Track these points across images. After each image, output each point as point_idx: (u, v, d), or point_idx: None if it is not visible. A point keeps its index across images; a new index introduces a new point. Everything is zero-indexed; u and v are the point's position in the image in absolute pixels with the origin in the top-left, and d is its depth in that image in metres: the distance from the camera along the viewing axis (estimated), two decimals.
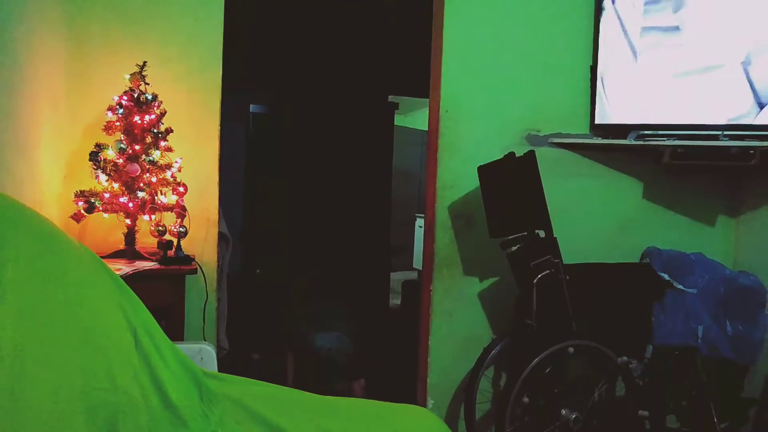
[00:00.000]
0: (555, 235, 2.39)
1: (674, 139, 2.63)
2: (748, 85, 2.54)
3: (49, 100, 2.21)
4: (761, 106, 2.51)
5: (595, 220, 2.89)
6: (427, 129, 2.95)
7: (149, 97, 2.30)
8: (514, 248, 2.52)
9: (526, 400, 2.37)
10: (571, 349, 2.36)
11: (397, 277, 5.68)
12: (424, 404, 2.82)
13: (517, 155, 2.46)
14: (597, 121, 2.81)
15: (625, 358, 2.46)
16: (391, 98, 5.28)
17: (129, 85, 2.29)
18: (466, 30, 2.77)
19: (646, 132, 2.70)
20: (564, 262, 2.40)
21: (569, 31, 2.84)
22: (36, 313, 0.91)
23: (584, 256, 2.68)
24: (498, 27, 2.79)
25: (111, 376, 1.01)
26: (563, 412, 2.38)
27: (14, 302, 0.87)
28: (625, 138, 2.72)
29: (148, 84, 2.32)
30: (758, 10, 2.54)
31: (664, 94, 2.71)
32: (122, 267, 2.11)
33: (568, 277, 2.38)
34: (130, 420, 1.01)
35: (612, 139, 2.80)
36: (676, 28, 2.67)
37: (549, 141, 2.84)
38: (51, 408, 0.85)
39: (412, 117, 7.02)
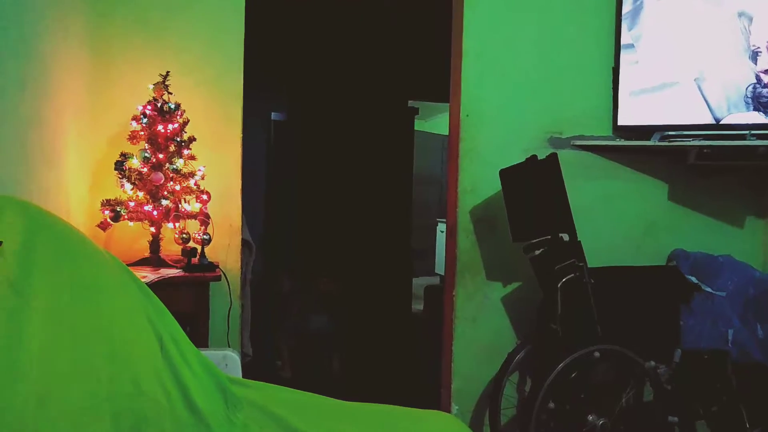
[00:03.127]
0: (579, 239, 2.36)
1: (700, 140, 2.59)
2: None
3: (74, 110, 2.25)
4: None
5: (619, 222, 2.85)
6: (447, 133, 2.95)
7: (172, 106, 2.32)
8: (537, 252, 2.50)
9: (552, 405, 2.34)
10: (596, 354, 2.32)
11: (419, 283, 5.67)
12: (448, 410, 2.80)
13: (539, 158, 2.44)
14: (620, 123, 2.78)
15: (652, 362, 2.42)
16: (411, 103, 5.29)
17: (152, 94, 2.32)
18: (486, 33, 2.76)
19: (670, 133, 2.66)
20: (588, 266, 2.37)
21: (590, 32, 2.81)
22: (63, 319, 0.92)
23: (609, 260, 2.64)
24: (518, 29, 2.78)
25: (137, 382, 1.02)
26: (590, 417, 2.34)
27: (42, 308, 0.88)
28: (649, 139, 2.69)
29: (171, 93, 2.35)
30: None
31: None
32: (147, 274, 2.13)
33: (592, 281, 2.35)
34: (155, 425, 1.01)
35: (635, 140, 2.77)
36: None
37: (571, 143, 2.81)
38: (78, 413, 0.86)
39: (433, 122, 7.02)
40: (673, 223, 2.88)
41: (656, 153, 2.82)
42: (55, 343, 0.88)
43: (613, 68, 2.79)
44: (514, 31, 2.77)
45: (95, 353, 0.96)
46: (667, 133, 2.66)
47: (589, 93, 2.82)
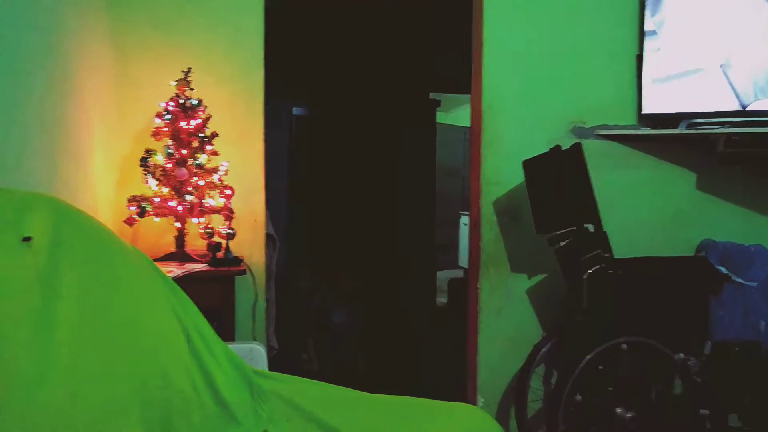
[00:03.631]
0: (604, 229, 2.33)
1: (728, 127, 2.53)
2: None
3: (99, 109, 2.29)
4: None
5: (646, 213, 2.80)
6: (469, 125, 2.92)
7: (194, 102, 2.34)
8: (562, 243, 2.47)
9: (579, 398, 2.32)
10: (624, 346, 2.29)
11: (443, 276, 5.66)
12: (474, 403, 2.79)
13: (563, 148, 2.41)
14: (644, 111, 2.73)
15: (682, 355, 2.38)
16: (432, 95, 5.26)
17: (175, 91, 2.34)
18: (507, 22, 2.73)
19: (697, 120, 2.61)
20: (615, 257, 2.33)
21: (613, 19, 2.76)
22: (92, 312, 0.94)
23: (636, 251, 2.60)
24: (540, 17, 2.74)
25: (165, 375, 1.03)
26: (618, 411, 2.31)
27: (71, 302, 0.90)
28: (676, 127, 2.63)
29: (192, 89, 2.37)
30: None
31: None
32: (173, 269, 2.16)
33: (619, 272, 2.31)
34: (183, 417, 1.03)
35: (661, 129, 2.71)
36: None
37: (595, 133, 2.77)
38: (109, 405, 0.87)
39: (455, 114, 6.97)
40: (702, 212, 2.82)
41: (683, 141, 2.76)
42: (85, 335, 0.89)
43: (637, 56, 2.73)
44: (536, 20, 2.74)
45: (124, 346, 0.97)
46: (693, 120, 2.61)
47: (613, 81, 2.77)
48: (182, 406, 1.05)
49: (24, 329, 0.81)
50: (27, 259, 0.88)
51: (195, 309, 1.33)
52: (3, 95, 1.43)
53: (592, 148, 2.63)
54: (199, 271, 2.22)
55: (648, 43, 2.69)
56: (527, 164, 2.56)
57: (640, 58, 2.72)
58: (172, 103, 2.32)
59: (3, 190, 1.03)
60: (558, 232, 2.46)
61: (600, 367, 2.32)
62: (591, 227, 2.35)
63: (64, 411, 0.79)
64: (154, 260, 1.71)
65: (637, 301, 2.34)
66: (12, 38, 1.49)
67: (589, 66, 2.75)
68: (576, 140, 2.55)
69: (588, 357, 2.25)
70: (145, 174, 2.30)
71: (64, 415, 0.79)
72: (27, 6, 1.60)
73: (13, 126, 1.49)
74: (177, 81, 2.35)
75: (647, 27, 2.68)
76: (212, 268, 2.27)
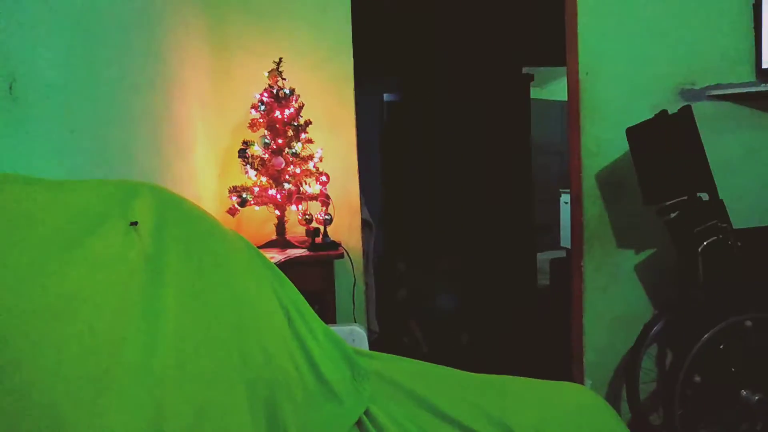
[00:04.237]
0: (721, 198, 2.15)
1: None
2: None
3: (199, 103, 2.39)
4: None
5: None
6: (566, 99, 2.79)
7: (287, 91, 2.39)
8: (673, 215, 2.31)
9: (697, 380, 2.17)
10: (748, 323, 2.11)
11: (543, 257, 5.50)
12: (581, 383, 2.69)
13: (669, 113, 2.24)
14: (765, 66, 2.48)
15: None
16: (525, 70, 5.09)
17: (268, 81, 2.40)
18: None
19: None
20: (734, 227, 2.15)
21: None
22: (196, 291, 0.97)
23: (758, 220, 2.39)
24: None
25: (267, 353, 1.05)
26: (743, 393, 2.14)
27: (176, 281, 0.94)
28: None
29: (284, 79, 2.42)
30: None
31: None
32: (275, 255, 2.22)
33: (739, 243, 2.13)
34: (286, 394, 1.05)
35: None
36: None
37: (707, 94, 2.56)
38: (214, 380, 0.91)
39: (549, 88, 6.73)
40: None
41: None
42: (190, 313, 0.93)
43: (753, 4, 2.49)
44: None
45: (227, 324, 1.00)
46: None
47: (726, 36, 2.54)
48: (285, 383, 1.07)
49: (134, 305, 0.86)
50: (135, 242, 0.93)
51: (295, 290, 1.35)
52: (113, 93, 1.53)
53: (703, 110, 2.44)
54: (300, 256, 2.27)
55: None
56: (631, 132, 2.41)
57: (758, 6, 2.47)
58: (266, 94, 2.39)
59: (108, 181, 1.09)
60: (668, 203, 2.31)
61: (721, 347, 2.15)
62: (705, 196, 2.18)
63: (172, 381, 0.83)
64: (258, 248, 1.77)
65: (762, 274, 2.14)
66: (118, 38, 1.58)
67: (697, 20, 2.54)
68: (684, 103, 2.37)
69: (707, 335, 2.10)
70: (244, 165, 2.38)
71: (171, 384, 0.83)
72: (131, 7, 1.69)
73: (122, 122, 1.59)
74: (269, 72, 2.40)
75: None
76: (312, 253, 2.32)
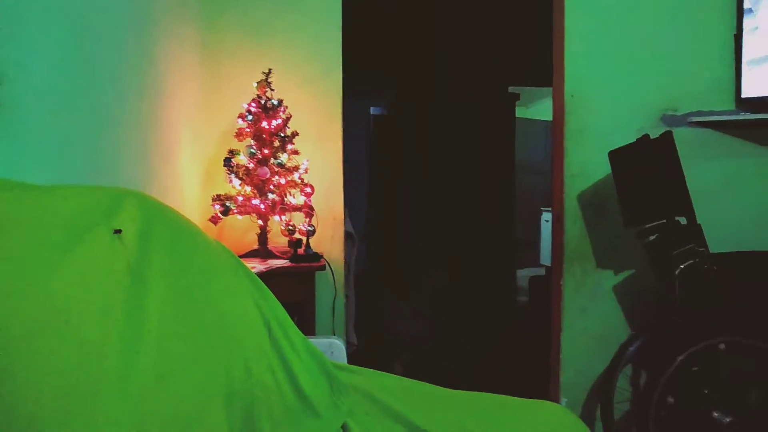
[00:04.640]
0: (700, 222, 2.19)
1: None
2: None
3: (187, 111, 2.39)
4: None
5: (747, 204, 2.62)
6: (551, 119, 2.84)
7: (275, 102, 2.40)
8: (652, 237, 2.35)
9: (671, 400, 2.20)
10: (722, 346, 2.15)
11: (523, 274, 5.54)
12: (556, 402, 2.70)
13: (651, 137, 2.29)
14: (744, 95, 2.54)
15: None
16: (511, 89, 5.15)
17: (256, 92, 2.41)
18: (590, 4, 2.62)
19: None
20: (711, 251, 2.19)
21: None
22: (179, 301, 0.97)
23: (735, 244, 2.43)
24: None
25: (247, 366, 1.05)
26: (715, 415, 2.17)
27: (159, 290, 0.93)
28: None
29: (273, 90, 2.43)
30: None
31: None
32: (256, 265, 2.22)
33: (715, 267, 2.17)
34: (265, 408, 1.04)
35: (764, 113, 2.52)
36: None
37: (688, 120, 2.61)
38: (195, 393, 0.90)
39: (535, 108, 6.80)
40: None
41: None
42: (171, 325, 0.92)
43: (735, 35, 2.56)
44: (621, 1, 2.61)
45: (210, 335, 1.00)
46: None
47: (708, 64, 2.60)
48: (264, 397, 1.06)
49: (116, 316, 0.85)
50: (118, 250, 0.92)
51: (275, 300, 1.35)
52: (101, 96, 1.52)
53: (684, 136, 2.49)
54: (281, 266, 2.27)
55: (744, 23, 2.51)
56: (613, 155, 2.45)
57: (738, 38, 2.54)
58: (254, 104, 2.39)
59: (95, 187, 1.08)
60: (647, 226, 2.34)
61: (694, 368, 2.19)
62: (683, 220, 2.22)
63: (152, 394, 0.83)
64: (239, 257, 1.77)
65: (736, 298, 2.18)
66: (109, 45, 1.57)
67: (680, 49, 2.60)
68: (666, 129, 2.42)
69: (681, 357, 2.13)
70: (229, 173, 2.38)
71: (152, 397, 0.83)
72: (124, 10, 1.69)
73: (109, 126, 1.58)
74: (258, 82, 2.41)
75: (744, 5, 2.51)
76: (293, 264, 2.31)
